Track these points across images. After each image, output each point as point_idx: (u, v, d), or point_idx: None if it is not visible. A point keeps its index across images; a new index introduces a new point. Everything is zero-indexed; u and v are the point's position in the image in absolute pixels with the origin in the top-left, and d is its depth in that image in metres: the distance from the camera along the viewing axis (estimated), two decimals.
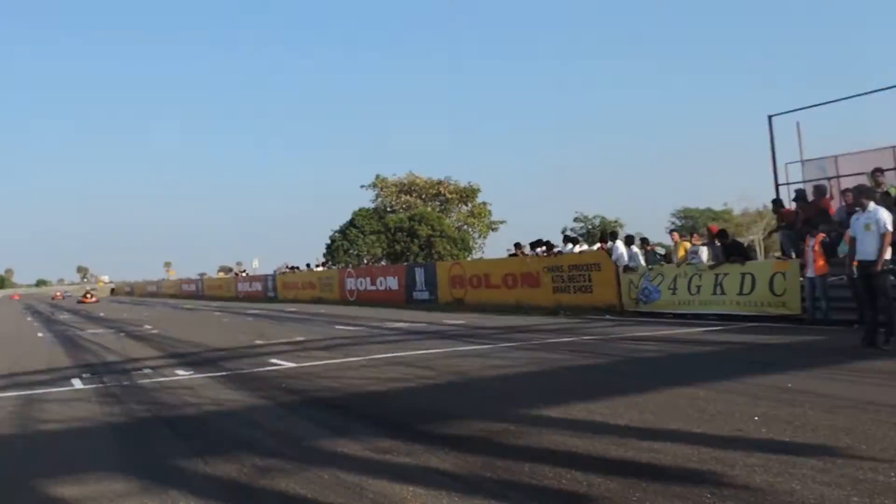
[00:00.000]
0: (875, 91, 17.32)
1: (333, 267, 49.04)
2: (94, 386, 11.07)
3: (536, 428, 6.85)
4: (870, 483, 4.82)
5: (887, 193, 14.61)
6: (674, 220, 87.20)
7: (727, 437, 6.17)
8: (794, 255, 16.63)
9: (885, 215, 11.24)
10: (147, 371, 12.72)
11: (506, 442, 6.39)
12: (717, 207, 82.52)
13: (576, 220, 75.08)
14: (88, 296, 64.04)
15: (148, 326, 25.17)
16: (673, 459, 5.61)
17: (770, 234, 19.65)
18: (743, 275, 17.15)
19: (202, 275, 77.54)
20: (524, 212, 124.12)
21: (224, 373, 11.92)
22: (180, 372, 12.35)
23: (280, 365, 12.49)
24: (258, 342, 17.20)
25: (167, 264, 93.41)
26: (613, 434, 6.46)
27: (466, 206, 69.00)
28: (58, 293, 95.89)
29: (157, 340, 19.28)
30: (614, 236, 21.29)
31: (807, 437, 6.05)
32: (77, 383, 11.39)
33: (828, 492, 4.69)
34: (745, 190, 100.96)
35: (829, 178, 17.96)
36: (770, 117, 18.40)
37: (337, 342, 16.43)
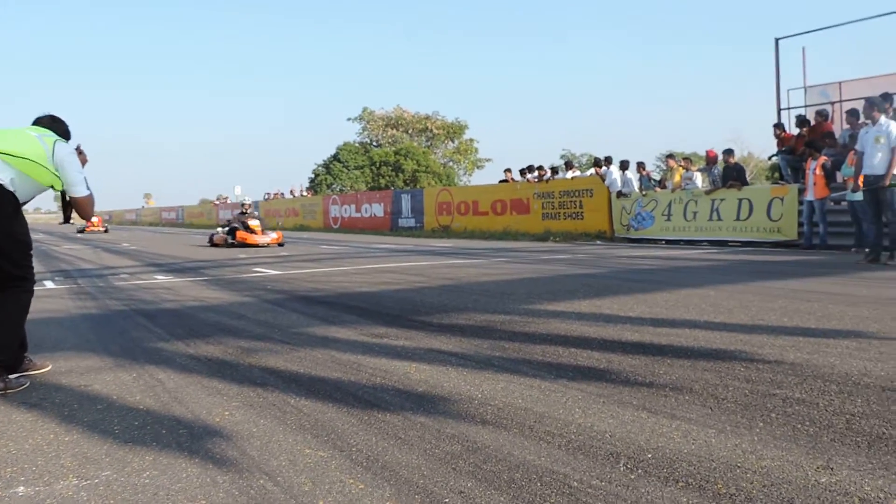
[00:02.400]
0: (883, 15, 16.74)
1: (316, 195, 48.29)
2: (66, 286, 10.54)
3: (543, 319, 6.41)
4: None
5: None
6: (659, 163, 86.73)
7: (749, 325, 5.77)
8: (792, 181, 16.25)
9: None
10: (124, 276, 12.21)
11: (512, 329, 5.96)
12: (703, 152, 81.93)
13: (562, 157, 74.44)
14: (94, 222, 40.07)
15: (126, 244, 24.59)
16: (695, 342, 5.19)
17: (770, 158, 19.10)
18: (740, 200, 16.76)
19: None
20: (511, 150, 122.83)
21: (205, 278, 11.42)
22: (159, 277, 11.85)
23: (264, 273, 12.00)
24: (241, 256, 16.69)
25: (147, 195, 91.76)
26: (626, 324, 6.04)
27: (453, 142, 68.16)
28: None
29: (135, 254, 18.73)
30: (609, 161, 20.75)
31: (833, 325, 5.65)
32: (49, 284, 10.86)
33: (871, 366, 4.29)
34: (737, 132, 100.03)
35: (832, 104, 17.48)
36: (777, 40, 17.87)
37: (323, 257, 15.95)
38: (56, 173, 4.62)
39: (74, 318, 7.36)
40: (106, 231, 41.18)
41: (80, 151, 4.90)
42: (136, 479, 2.90)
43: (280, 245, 20.30)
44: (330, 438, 3.33)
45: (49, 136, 4.68)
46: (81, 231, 40.11)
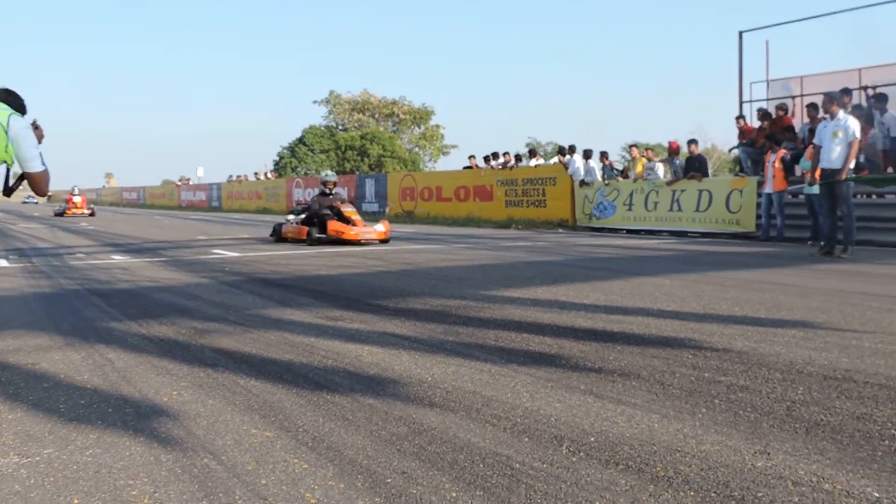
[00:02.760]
0: (845, 10, 16.97)
1: (280, 177, 47.94)
2: (21, 265, 10.39)
3: (498, 304, 6.45)
4: (856, 348, 4.53)
5: (859, 106, 14.39)
6: (625, 154, 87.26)
7: (700, 314, 5.85)
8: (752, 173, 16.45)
9: (853, 123, 10.99)
10: (80, 255, 12.07)
11: (467, 314, 5.98)
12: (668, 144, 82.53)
13: (528, 145, 74.56)
14: (77, 202, 35.00)
15: (84, 224, 24.27)
16: (647, 329, 5.26)
17: (730, 150, 19.31)
18: (700, 191, 16.93)
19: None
20: (477, 137, 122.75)
21: (163, 258, 11.31)
22: (116, 256, 11.73)
23: (223, 255, 11.92)
24: (200, 237, 16.57)
25: (108, 175, 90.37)
26: (580, 311, 6.09)
27: (419, 128, 67.98)
28: None
29: (94, 234, 18.51)
30: (573, 150, 20.84)
31: (782, 315, 5.75)
32: (2, 262, 10.69)
33: (815, 355, 4.37)
34: (700, 126, 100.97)
35: (793, 97, 17.70)
36: (741, 33, 18.03)
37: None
38: (8, 148, 4.54)
39: (27, 297, 7.26)
40: (92, 213, 33.36)
41: (36, 126, 4.81)
42: (78, 457, 2.88)
43: (385, 242, 14.29)
44: (277, 419, 3.33)
45: (4, 109, 4.60)
46: (61, 214, 33.13)
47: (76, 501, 2.48)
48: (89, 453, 2.92)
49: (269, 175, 45.13)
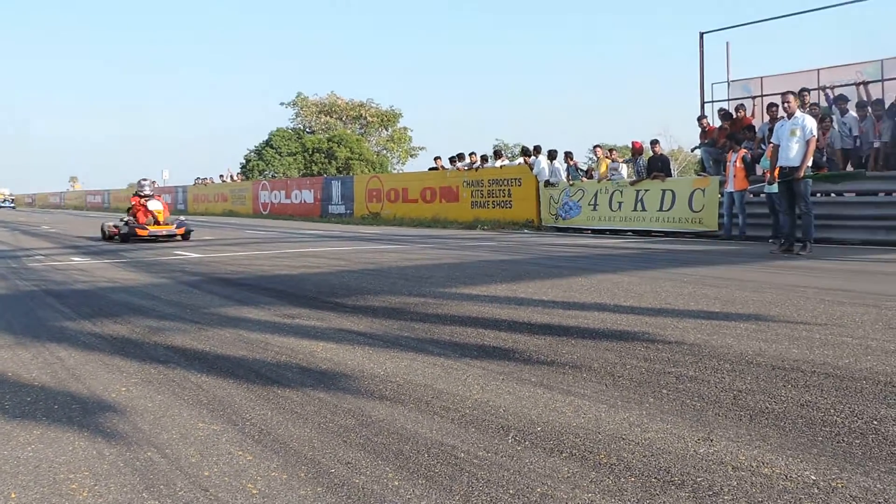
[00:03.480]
0: (804, 12, 17.19)
1: (247, 180, 47.62)
2: None
3: (457, 301, 6.46)
4: (806, 340, 4.59)
5: (815, 105, 14.60)
6: (591, 155, 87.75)
7: (656, 308, 5.89)
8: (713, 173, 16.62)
9: (810, 122, 11.12)
10: (38, 257, 11.92)
11: (425, 311, 5.98)
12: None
13: (495, 147, 74.73)
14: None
15: (46, 227, 23.97)
16: (602, 324, 5.29)
17: (693, 150, 19.53)
18: (663, 191, 17.05)
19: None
20: (445, 139, 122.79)
21: (123, 260, 11.20)
22: (75, 258, 11.59)
23: (185, 256, 11.82)
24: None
25: (73, 179, 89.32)
26: (538, 306, 6.11)
27: (387, 130, 67.86)
28: None
29: (54, 237, 18.29)
30: (538, 150, 20.91)
31: (737, 309, 5.81)
32: None
33: (765, 347, 4.43)
34: (667, 128, 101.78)
35: (753, 98, 17.90)
36: (702, 34, 18.17)
37: (247, 241, 15.78)
38: None
39: None
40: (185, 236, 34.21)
41: None
42: (19, 453, 2.84)
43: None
44: (225, 413, 3.31)
45: None
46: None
47: (13, 495, 2.44)
48: (31, 448, 2.89)
49: (236, 178, 44.80)
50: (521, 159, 22.90)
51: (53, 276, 8.90)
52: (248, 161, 60.80)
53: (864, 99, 14.93)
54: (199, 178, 47.44)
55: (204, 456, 2.77)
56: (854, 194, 14.02)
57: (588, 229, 18.58)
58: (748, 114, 16.94)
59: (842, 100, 14.70)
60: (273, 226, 24.39)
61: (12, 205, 73.75)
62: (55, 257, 11.87)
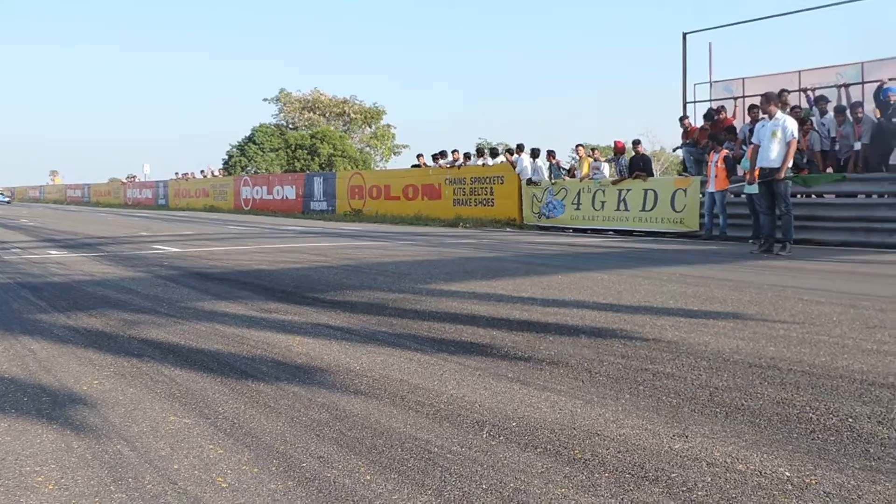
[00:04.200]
0: (786, 14, 17.29)
1: (229, 175, 47.37)
2: None
3: (435, 297, 6.43)
4: (784, 338, 4.60)
5: (797, 107, 14.67)
6: (573, 154, 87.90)
7: (635, 306, 5.89)
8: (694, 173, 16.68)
9: (791, 123, 11.17)
10: (15, 250, 11.78)
11: (403, 307, 5.95)
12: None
13: (478, 146, 74.69)
14: None
15: (24, 220, 23.74)
16: (581, 321, 5.28)
17: (675, 150, 19.60)
18: (646, 191, 17.09)
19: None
20: (428, 137, 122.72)
21: (101, 254, 11.09)
22: (52, 252, 11.47)
23: (164, 250, 11.72)
24: (143, 233, 16.30)
25: (53, 172, 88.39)
26: (517, 303, 6.09)
27: (370, 127, 67.70)
28: None
29: (32, 230, 18.10)
30: (520, 149, 20.91)
31: (715, 307, 5.81)
32: None
33: (742, 344, 4.43)
34: (649, 128, 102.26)
35: (735, 98, 17.98)
36: (685, 35, 18.25)
37: (228, 236, 15.68)
38: None
39: None
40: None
41: None
42: None
43: None
44: (198, 406, 3.27)
45: None
46: None
47: None
48: None
49: (217, 173, 44.58)
50: (501, 157, 22.87)
51: (29, 269, 8.80)
52: (230, 157, 60.48)
53: (843, 102, 15.04)
54: (178, 172, 47.14)
55: (174, 449, 2.73)
56: (834, 196, 14.10)
57: (570, 228, 18.59)
58: (729, 114, 17.01)
59: (822, 100, 14.79)
60: (254, 221, 24.27)
61: (8, 199, 66.05)
62: (32, 250, 11.75)
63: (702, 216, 15.66)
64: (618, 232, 17.37)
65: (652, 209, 16.81)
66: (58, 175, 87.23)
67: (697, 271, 8.44)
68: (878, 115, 13.80)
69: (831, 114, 14.40)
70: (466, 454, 2.66)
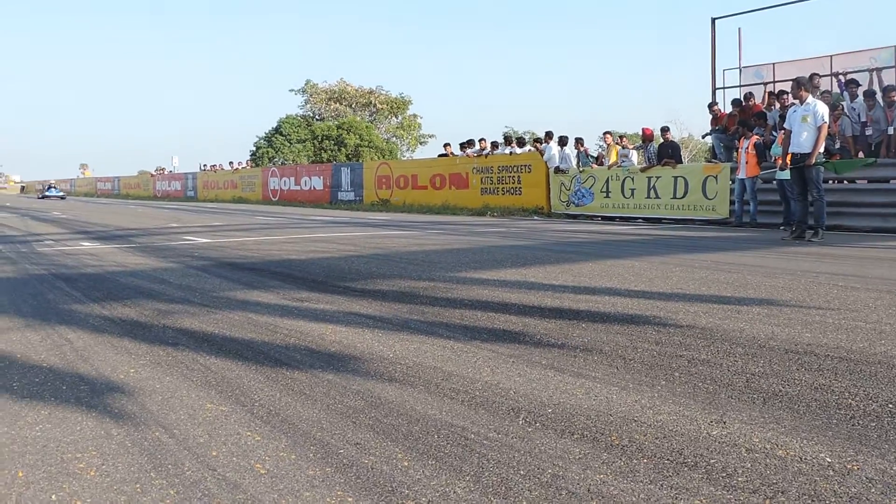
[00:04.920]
0: None
1: (257, 167, 47.65)
2: None
3: (466, 286, 6.42)
4: (819, 324, 4.54)
5: (827, 92, 14.49)
6: (601, 142, 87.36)
7: (667, 293, 5.85)
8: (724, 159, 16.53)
9: (822, 108, 11.05)
10: (49, 242, 11.92)
11: (434, 295, 5.95)
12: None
13: (504, 135, 74.45)
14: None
15: (56, 213, 24.05)
16: (612, 308, 5.25)
17: (704, 136, 19.44)
18: (675, 178, 16.97)
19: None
20: (454, 127, 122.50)
21: (133, 245, 11.20)
22: (85, 243, 11.60)
23: (194, 241, 11.81)
24: (173, 224, 16.44)
25: (83, 166, 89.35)
26: (548, 290, 6.08)
27: (397, 118, 67.71)
28: None
29: (65, 222, 18.31)
30: (549, 137, 20.84)
31: (748, 293, 5.76)
32: None
33: (778, 331, 4.38)
34: (674, 112, 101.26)
35: (765, 84, 17.78)
36: (714, 20, 18.03)
37: (257, 227, 15.77)
38: None
39: None
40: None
41: None
42: (27, 433, 2.83)
43: None
44: (234, 394, 3.29)
45: None
46: None
47: (21, 474, 2.43)
48: (39, 428, 2.87)
49: (245, 165, 44.83)
50: (529, 146, 22.80)
51: (64, 261, 8.90)
52: (257, 148, 60.80)
53: (875, 87, 14.81)
54: (205, 164, 47.44)
55: (212, 436, 2.75)
56: (866, 181, 13.91)
57: (598, 216, 18.51)
58: (758, 100, 16.82)
59: (853, 84, 14.58)
60: (282, 212, 24.39)
61: (62, 195, 57.61)
62: (65, 242, 11.89)
63: (732, 203, 15.52)
64: (647, 220, 17.26)
65: (683, 196, 16.69)
66: (88, 168, 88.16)
67: (729, 258, 8.36)
68: None
69: (862, 98, 14.20)
70: (503, 441, 2.65)
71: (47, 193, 56.86)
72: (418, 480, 2.32)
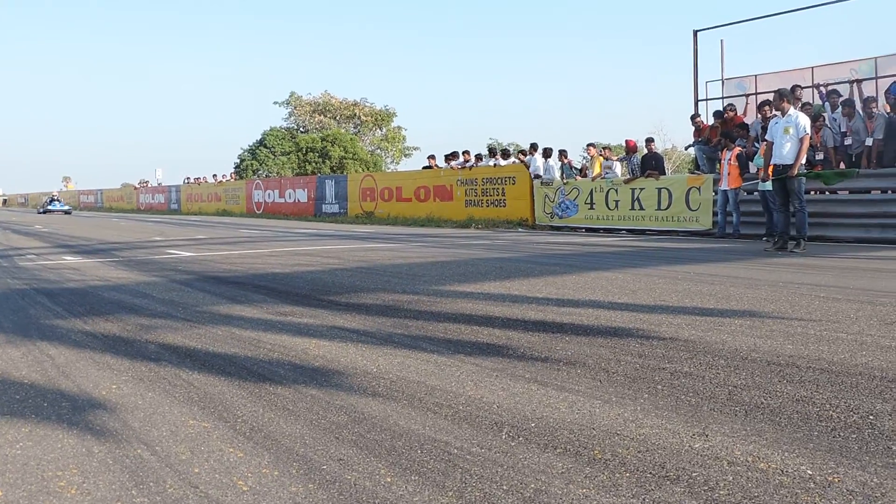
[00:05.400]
0: (797, 10, 17.19)
1: (241, 180, 47.53)
2: None
3: (450, 299, 6.43)
4: (801, 336, 4.57)
5: (808, 104, 14.61)
6: (585, 154, 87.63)
7: (651, 305, 5.88)
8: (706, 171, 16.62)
9: (804, 120, 11.14)
10: (30, 256, 11.85)
11: (418, 308, 5.95)
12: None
13: (489, 147, 74.51)
14: None
15: (39, 226, 23.89)
16: (596, 321, 5.26)
17: (687, 148, 19.52)
18: (659, 189, 17.05)
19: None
20: (439, 139, 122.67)
21: (115, 259, 11.15)
22: (67, 257, 11.53)
23: (177, 255, 11.76)
24: (156, 238, 16.36)
25: (66, 178, 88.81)
26: (532, 303, 6.09)
27: (381, 130, 67.72)
28: None
29: (47, 236, 18.20)
30: (534, 148, 20.91)
31: (731, 305, 5.79)
32: None
33: (760, 342, 4.41)
34: (659, 124, 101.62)
35: (747, 96, 17.92)
36: (696, 32, 18.17)
37: (241, 240, 15.72)
38: None
39: None
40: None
41: None
42: (6, 451, 2.81)
43: None
44: (217, 410, 3.28)
45: None
46: None
47: (0, 493, 2.41)
48: (19, 446, 2.85)
49: (229, 177, 44.71)
50: (513, 158, 22.86)
51: (45, 275, 8.85)
52: (241, 161, 60.65)
53: (855, 98, 14.95)
54: (189, 177, 47.26)
55: (194, 453, 2.74)
56: (847, 192, 14.03)
57: (583, 228, 18.56)
58: (740, 112, 16.95)
59: (834, 94, 14.72)
60: (267, 225, 24.34)
61: (68, 208, 51.20)
62: (47, 256, 11.81)
63: (715, 214, 15.61)
64: (630, 231, 17.33)
65: (667, 208, 16.77)
66: (70, 181, 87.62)
67: (712, 269, 8.41)
68: (889, 111, 13.72)
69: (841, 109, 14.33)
70: (486, 455, 2.65)
71: (49, 207, 49.71)
72: (401, 496, 2.32)
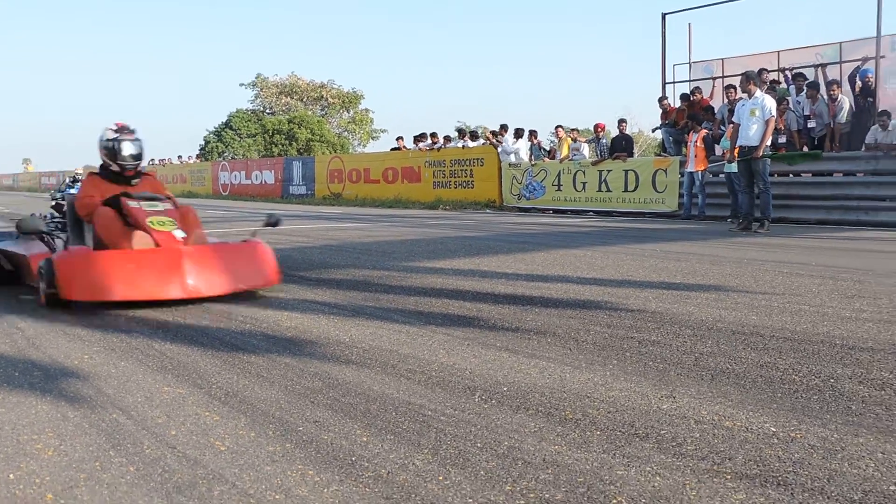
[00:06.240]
0: None
1: (206, 161, 47.06)
2: None
3: (420, 274, 6.47)
4: (765, 308, 4.68)
5: (774, 85, 14.78)
6: (553, 137, 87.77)
7: (619, 280, 5.96)
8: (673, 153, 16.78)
9: (770, 102, 11.29)
10: None
11: (388, 283, 5.98)
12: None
13: (457, 129, 74.46)
14: None
15: (2, 207, 23.51)
16: (565, 294, 5.34)
17: (654, 130, 19.64)
18: (626, 171, 17.16)
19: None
20: (407, 121, 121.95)
21: None
22: None
23: None
24: None
25: (26, 160, 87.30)
26: (501, 279, 6.15)
27: (348, 112, 67.28)
28: None
29: (8, 217, 17.91)
30: (504, 129, 20.93)
31: (697, 280, 5.90)
32: None
33: (725, 314, 4.51)
34: (627, 108, 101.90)
35: (714, 79, 18.07)
36: (664, 15, 18.25)
37: (208, 220, 15.57)
38: None
39: None
40: None
41: None
42: None
43: None
44: (191, 378, 3.30)
45: None
46: None
47: None
48: None
49: (195, 159, 44.28)
50: (482, 140, 22.88)
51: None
52: (206, 142, 59.99)
53: (817, 81, 15.15)
54: (152, 158, 46.65)
55: (170, 417, 2.76)
56: (811, 174, 14.23)
57: (550, 209, 18.65)
58: (707, 95, 17.10)
59: (800, 77, 14.88)
60: (234, 206, 24.18)
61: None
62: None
63: (681, 196, 15.76)
64: (598, 213, 17.44)
65: (634, 190, 16.88)
66: (31, 163, 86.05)
67: (678, 247, 8.52)
68: (853, 95, 13.94)
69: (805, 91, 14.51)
70: (460, 416, 2.70)
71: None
72: (378, 454, 2.36)
